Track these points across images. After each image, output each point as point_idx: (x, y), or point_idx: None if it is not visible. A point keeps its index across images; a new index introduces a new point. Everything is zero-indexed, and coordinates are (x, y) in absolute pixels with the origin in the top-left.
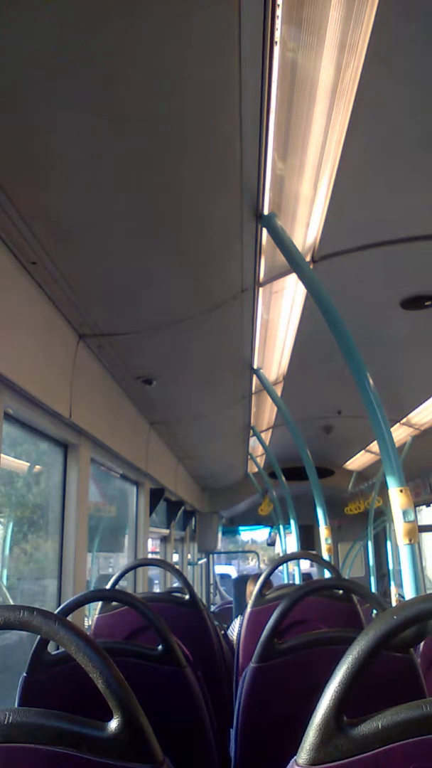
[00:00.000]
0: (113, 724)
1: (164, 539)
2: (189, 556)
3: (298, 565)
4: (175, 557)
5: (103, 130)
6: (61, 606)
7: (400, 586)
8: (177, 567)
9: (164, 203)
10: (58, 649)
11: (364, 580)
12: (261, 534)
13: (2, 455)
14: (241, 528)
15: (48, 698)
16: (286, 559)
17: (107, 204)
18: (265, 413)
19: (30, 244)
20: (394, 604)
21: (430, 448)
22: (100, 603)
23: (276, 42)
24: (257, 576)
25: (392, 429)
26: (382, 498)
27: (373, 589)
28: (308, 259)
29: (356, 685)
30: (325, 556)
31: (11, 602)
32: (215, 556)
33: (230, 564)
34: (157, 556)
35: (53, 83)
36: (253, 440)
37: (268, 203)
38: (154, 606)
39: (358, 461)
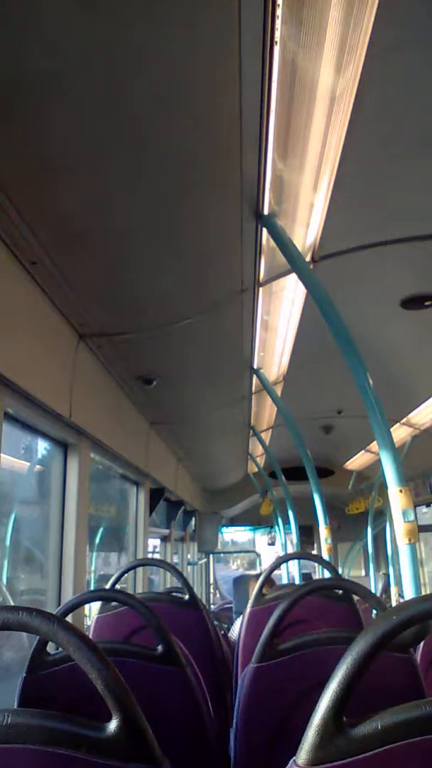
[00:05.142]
0: (112, 725)
1: (164, 539)
2: (189, 556)
3: (299, 565)
4: (175, 558)
5: (104, 131)
6: (61, 606)
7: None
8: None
9: (164, 203)
10: (57, 649)
11: (364, 580)
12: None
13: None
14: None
15: (47, 698)
16: (286, 559)
17: (107, 204)
18: (265, 413)
19: (30, 244)
20: (394, 604)
21: (430, 448)
22: (99, 603)
23: (276, 42)
24: (257, 576)
25: (392, 429)
26: (382, 498)
27: (373, 589)
28: (308, 259)
29: (356, 685)
30: (325, 556)
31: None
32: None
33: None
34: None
35: (53, 84)
36: (253, 440)
37: (268, 203)
38: (153, 606)
39: (358, 461)
